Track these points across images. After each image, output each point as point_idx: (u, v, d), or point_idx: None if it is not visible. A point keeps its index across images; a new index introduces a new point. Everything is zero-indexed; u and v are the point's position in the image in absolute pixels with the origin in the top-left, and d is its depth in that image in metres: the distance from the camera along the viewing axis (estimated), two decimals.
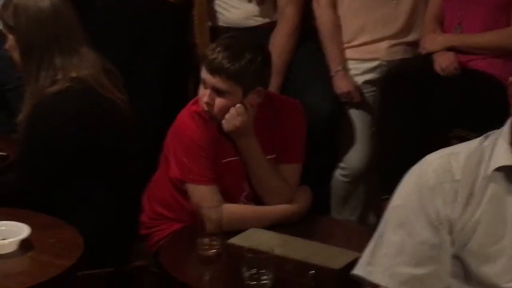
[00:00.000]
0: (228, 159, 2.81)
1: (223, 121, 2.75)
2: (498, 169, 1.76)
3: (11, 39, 2.77)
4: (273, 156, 2.88)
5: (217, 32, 3.65)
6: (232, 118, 2.74)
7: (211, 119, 2.77)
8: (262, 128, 2.83)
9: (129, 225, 2.90)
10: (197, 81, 2.85)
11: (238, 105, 2.74)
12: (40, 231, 2.45)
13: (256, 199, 2.87)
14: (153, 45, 3.75)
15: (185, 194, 2.81)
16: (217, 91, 2.72)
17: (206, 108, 2.74)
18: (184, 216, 2.83)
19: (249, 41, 2.82)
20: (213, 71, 2.70)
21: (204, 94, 2.73)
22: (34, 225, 2.43)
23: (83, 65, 2.71)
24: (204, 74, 2.72)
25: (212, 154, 2.76)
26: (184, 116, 2.79)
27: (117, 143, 2.75)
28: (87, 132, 2.66)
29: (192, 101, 2.86)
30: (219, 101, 2.72)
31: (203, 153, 2.74)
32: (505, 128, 1.79)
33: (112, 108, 2.73)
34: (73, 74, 2.68)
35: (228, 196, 2.80)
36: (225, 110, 2.73)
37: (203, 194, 2.72)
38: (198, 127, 2.75)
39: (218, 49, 2.71)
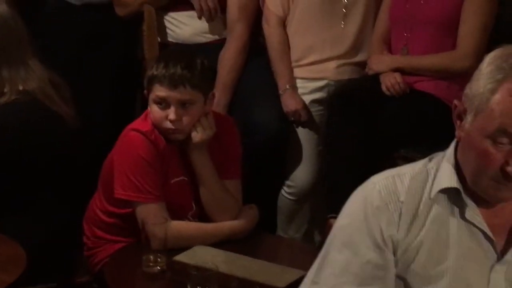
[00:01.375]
0: (176, 179, 2.80)
1: (194, 134, 2.74)
2: (442, 191, 1.79)
3: None
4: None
5: (166, 48, 3.65)
6: (207, 129, 2.75)
7: (172, 138, 2.75)
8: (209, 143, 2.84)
9: (73, 238, 2.87)
10: (144, 94, 2.84)
11: (207, 116, 2.76)
12: None
13: (202, 217, 2.87)
14: (101, 56, 3.74)
15: (123, 216, 2.79)
16: (183, 104, 2.71)
17: (173, 127, 2.72)
18: (125, 237, 2.81)
19: (188, 51, 2.84)
20: (176, 84, 2.69)
21: (167, 112, 2.71)
22: None
23: (31, 78, 2.68)
24: (163, 92, 2.69)
25: (160, 171, 2.74)
26: (132, 135, 2.75)
27: (62, 156, 2.73)
28: (31, 145, 2.63)
29: (136, 121, 2.82)
30: (187, 113, 2.72)
31: (152, 170, 2.71)
32: (450, 150, 1.82)
33: (58, 122, 2.71)
34: (20, 87, 2.66)
35: (175, 215, 2.78)
36: (194, 121, 2.74)
37: (149, 211, 2.69)
38: (146, 146, 2.72)
39: (170, 63, 2.70)
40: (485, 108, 1.70)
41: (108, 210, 2.82)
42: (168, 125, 2.73)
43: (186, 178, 2.82)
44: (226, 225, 2.82)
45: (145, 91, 2.78)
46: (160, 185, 2.73)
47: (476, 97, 1.72)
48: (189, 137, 2.77)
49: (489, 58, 1.74)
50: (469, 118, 1.73)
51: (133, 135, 2.74)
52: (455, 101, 1.79)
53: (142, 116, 2.83)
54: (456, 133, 1.78)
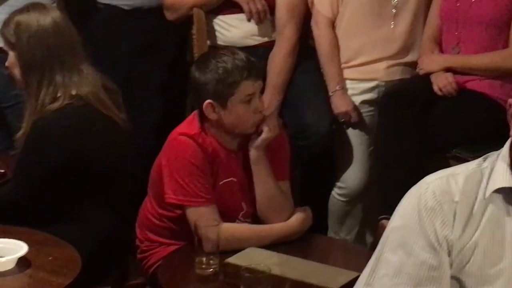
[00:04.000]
0: (225, 180, 2.81)
1: (266, 129, 2.76)
2: (497, 191, 1.76)
3: (12, 56, 2.78)
4: None
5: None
6: (276, 127, 2.80)
7: (251, 131, 2.77)
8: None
9: (125, 242, 2.90)
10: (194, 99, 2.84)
11: (272, 115, 2.85)
12: (38, 248, 2.45)
13: (254, 218, 2.88)
14: (152, 62, 3.77)
15: (175, 220, 2.80)
16: (261, 93, 2.76)
17: (261, 116, 2.74)
18: (178, 240, 2.82)
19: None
20: (257, 75, 2.73)
21: (251, 107, 2.72)
22: (31, 242, 2.42)
23: (84, 83, 2.72)
24: (251, 87, 2.70)
25: (209, 174, 2.75)
26: (180, 140, 2.75)
27: (113, 161, 2.75)
28: (85, 149, 2.66)
29: (182, 126, 2.82)
30: (262, 100, 2.76)
31: (201, 173, 2.72)
32: (504, 149, 1.80)
33: (111, 126, 2.74)
34: (73, 92, 2.69)
35: (226, 216, 2.79)
36: None
37: (201, 215, 2.70)
38: (194, 149, 2.72)
39: (236, 60, 2.70)
40: None
41: (159, 214, 2.84)
42: (257, 117, 2.74)
43: (235, 179, 2.82)
44: (278, 227, 2.82)
45: (210, 101, 2.73)
46: (210, 187, 2.74)
47: None
48: (248, 136, 2.79)
49: None
50: None
51: (181, 139, 2.75)
52: (510, 100, 1.77)
53: (188, 119, 2.84)
54: (511, 131, 1.76)
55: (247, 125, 2.75)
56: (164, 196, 2.75)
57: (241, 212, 2.86)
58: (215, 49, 2.87)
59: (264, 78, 3.49)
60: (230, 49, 2.86)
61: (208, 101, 2.73)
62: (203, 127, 2.77)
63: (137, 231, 2.92)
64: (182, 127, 2.81)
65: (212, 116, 2.74)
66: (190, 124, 2.80)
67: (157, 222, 2.85)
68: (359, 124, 3.61)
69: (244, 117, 2.73)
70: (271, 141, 2.82)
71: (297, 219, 2.85)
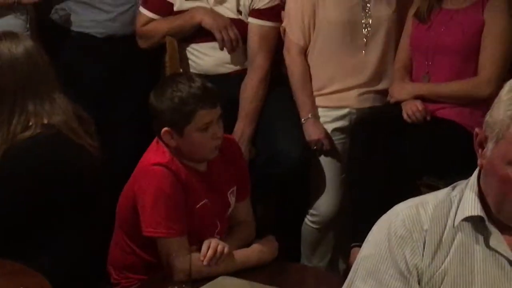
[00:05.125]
0: (201, 203, 2.82)
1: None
2: (466, 219, 1.78)
3: None
4: (235, 187, 2.93)
5: None
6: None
7: (212, 156, 2.81)
8: (220, 160, 2.88)
9: (98, 270, 2.88)
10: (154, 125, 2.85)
11: None
12: (8, 278, 2.42)
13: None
14: (126, 89, 3.77)
15: (145, 250, 2.81)
16: (218, 119, 2.77)
17: (219, 142, 2.77)
18: (149, 269, 2.82)
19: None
20: (214, 102, 2.74)
21: (210, 133, 2.74)
22: (1, 272, 2.40)
23: (56, 111, 2.71)
24: (208, 115, 2.72)
25: (183, 203, 2.76)
26: (154, 170, 2.75)
27: (85, 190, 2.74)
28: (55, 178, 2.65)
29: (151, 155, 2.82)
30: (221, 126, 2.78)
31: (175, 204, 2.72)
32: (473, 178, 1.82)
33: (83, 155, 2.73)
34: (45, 120, 2.68)
35: (204, 235, 2.81)
36: None
37: (173, 245, 2.71)
38: (170, 179, 2.73)
39: (192, 88, 2.72)
40: (506, 135, 1.70)
41: (129, 244, 2.84)
42: (216, 143, 2.76)
43: (208, 200, 2.84)
44: (246, 253, 2.83)
45: (168, 129, 2.75)
46: (183, 217, 2.75)
47: (497, 124, 1.72)
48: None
49: (509, 85, 1.75)
50: (490, 145, 1.74)
51: (156, 170, 2.74)
52: (476, 129, 1.80)
53: (153, 147, 2.83)
54: (478, 161, 1.79)
55: (205, 152, 2.77)
56: (136, 229, 2.75)
57: (216, 230, 2.88)
58: (174, 77, 2.88)
59: (236, 106, 3.52)
60: (188, 76, 2.89)
61: (165, 128, 2.75)
62: (172, 153, 2.78)
63: (109, 259, 2.91)
64: (152, 156, 2.81)
65: (170, 143, 2.76)
66: (158, 152, 2.80)
67: (128, 251, 2.85)
68: (331, 152, 3.63)
69: (201, 145, 2.75)
70: (231, 161, 2.91)
71: (267, 247, 2.87)
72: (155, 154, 2.80)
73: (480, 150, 1.78)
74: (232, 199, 2.92)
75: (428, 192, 1.94)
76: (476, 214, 1.77)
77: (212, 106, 2.72)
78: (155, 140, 2.83)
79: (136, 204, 2.75)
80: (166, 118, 2.74)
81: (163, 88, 2.77)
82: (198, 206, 2.80)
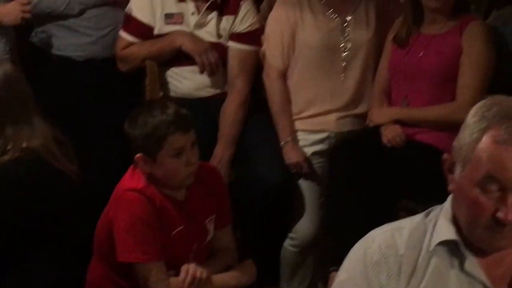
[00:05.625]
0: (177, 230, 2.82)
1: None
2: (441, 243, 1.80)
3: None
4: (213, 216, 2.93)
5: None
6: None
7: (188, 183, 2.80)
8: (200, 188, 2.87)
9: None
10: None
11: None
12: None
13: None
14: (106, 112, 3.77)
15: (123, 276, 2.80)
16: (193, 145, 2.76)
17: (193, 169, 2.76)
18: None
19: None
20: (187, 127, 2.74)
21: (184, 159, 2.73)
22: None
23: (34, 135, 2.71)
24: (180, 140, 2.72)
25: (158, 228, 2.75)
26: (128, 195, 2.76)
27: (63, 214, 2.74)
28: (33, 203, 2.64)
29: (126, 180, 2.83)
30: (196, 153, 2.77)
31: (150, 229, 2.73)
32: (447, 203, 1.84)
33: (61, 179, 2.72)
34: (24, 145, 2.68)
35: (180, 260, 2.81)
36: None
37: (151, 270, 2.71)
38: (144, 205, 2.73)
39: (165, 114, 2.72)
40: (472, 157, 1.72)
41: (107, 270, 2.83)
42: (190, 169, 2.75)
43: (184, 227, 2.83)
44: (224, 278, 2.84)
45: (141, 155, 2.76)
46: (159, 242, 2.74)
47: (463, 147, 1.75)
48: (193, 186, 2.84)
49: (474, 109, 1.78)
50: (458, 169, 1.76)
51: (130, 196, 2.75)
52: (444, 155, 1.82)
53: (129, 172, 2.84)
54: (449, 186, 1.81)
55: (179, 178, 2.76)
56: (114, 255, 2.74)
57: (191, 254, 2.87)
58: (148, 103, 2.89)
59: (215, 129, 3.53)
60: (161, 102, 2.90)
61: (139, 154, 2.75)
62: (148, 179, 2.78)
63: (86, 285, 2.90)
64: (127, 182, 2.81)
65: (144, 169, 2.76)
66: (134, 178, 2.80)
67: (109, 283, 2.84)
68: (310, 175, 3.64)
69: (175, 171, 2.74)
70: (211, 189, 2.91)
71: (244, 271, 2.88)
72: (131, 180, 2.80)
73: (449, 175, 1.80)
74: (210, 227, 2.91)
75: (406, 215, 1.96)
76: (450, 238, 1.79)
77: (184, 131, 2.73)
78: (132, 165, 2.83)
79: (112, 230, 2.75)
80: (139, 144, 2.74)
81: (136, 115, 2.78)
82: (174, 232, 2.80)
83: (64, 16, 3.78)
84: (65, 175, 2.74)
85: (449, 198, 1.83)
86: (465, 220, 1.76)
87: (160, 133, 2.71)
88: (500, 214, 1.69)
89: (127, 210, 2.73)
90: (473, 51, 3.37)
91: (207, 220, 2.91)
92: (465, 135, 1.75)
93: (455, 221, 1.80)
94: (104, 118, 3.79)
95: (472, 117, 1.76)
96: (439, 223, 1.81)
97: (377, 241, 1.82)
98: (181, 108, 2.80)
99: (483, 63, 3.37)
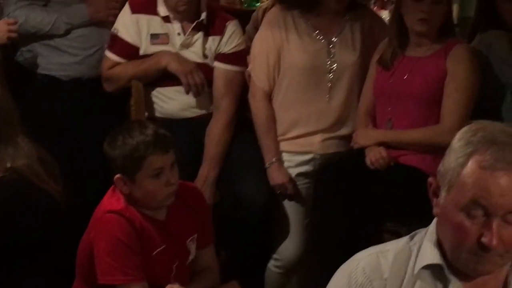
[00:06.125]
0: (158, 250, 2.81)
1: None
2: (425, 267, 1.81)
3: None
4: (195, 236, 2.92)
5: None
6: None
7: (168, 203, 2.80)
8: (181, 208, 2.87)
9: None
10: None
11: None
12: None
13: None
14: (91, 131, 3.75)
15: None
16: (172, 165, 2.75)
17: (173, 189, 2.75)
18: None
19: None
20: (166, 148, 2.74)
21: (163, 180, 2.73)
22: None
23: (19, 155, 2.69)
24: (159, 161, 2.71)
25: (139, 249, 2.75)
26: (107, 217, 2.75)
27: (47, 235, 2.72)
28: (17, 223, 2.63)
29: (106, 202, 2.82)
30: (174, 173, 2.76)
31: (130, 251, 2.72)
32: (431, 227, 1.85)
33: (46, 200, 2.71)
34: (8, 165, 2.66)
35: (160, 280, 2.80)
36: None
37: None
38: (123, 226, 2.73)
39: (143, 135, 2.72)
40: (457, 182, 1.73)
41: None
42: (169, 189, 2.75)
43: (165, 247, 2.83)
44: None
45: (120, 176, 2.76)
46: (140, 263, 2.74)
47: (448, 172, 1.75)
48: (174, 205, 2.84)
49: (459, 134, 1.79)
50: (443, 193, 1.77)
51: (109, 217, 2.75)
52: (430, 179, 1.83)
53: (109, 193, 2.83)
54: (434, 210, 1.81)
55: (159, 199, 2.76)
56: (96, 277, 2.73)
57: (172, 274, 2.87)
58: (127, 124, 2.89)
59: (200, 149, 3.53)
60: (140, 123, 2.89)
61: (118, 175, 2.75)
62: (127, 200, 2.78)
63: None
64: (106, 203, 2.81)
65: (124, 190, 2.76)
66: (114, 199, 2.80)
67: None
68: (295, 196, 3.64)
69: (154, 192, 2.74)
70: (194, 209, 2.91)
71: None
72: (110, 201, 2.80)
73: (434, 199, 1.81)
74: (192, 247, 2.91)
75: (391, 238, 1.97)
76: (434, 262, 1.79)
77: (163, 152, 2.73)
78: (112, 186, 2.83)
79: (93, 252, 2.75)
80: (118, 164, 2.75)
81: (116, 135, 2.78)
82: (155, 252, 2.80)
83: (50, 36, 3.78)
84: (49, 196, 2.72)
85: (434, 221, 1.84)
86: (450, 244, 1.76)
87: (139, 154, 2.71)
88: (484, 239, 1.70)
89: (107, 232, 2.72)
90: (458, 74, 3.39)
91: (189, 240, 2.91)
92: (451, 159, 1.76)
93: (439, 244, 1.80)
94: (89, 138, 3.77)
95: (457, 142, 1.77)
96: (424, 246, 1.82)
97: (362, 264, 1.83)
98: (160, 129, 2.80)
99: (468, 86, 3.38)
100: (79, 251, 2.84)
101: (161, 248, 2.81)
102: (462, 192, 1.72)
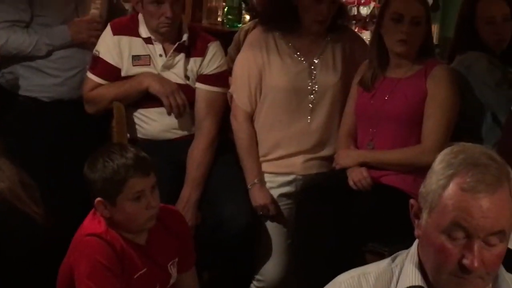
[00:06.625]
0: (139, 273, 2.80)
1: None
2: None
3: None
4: (176, 259, 2.92)
5: (135, 144, 3.68)
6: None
7: (149, 225, 2.79)
8: (162, 232, 2.87)
9: None
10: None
11: None
12: None
13: None
14: (72, 153, 3.74)
15: None
16: (153, 188, 2.75)
17: (154, 211, 2.75)
18: None
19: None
20: (147, 171, 2.73)
21: (144, 202, 2.72)
22: None
23: (0, 178, 2.69)
24: (140, 183, 2.71)
25: (119, 272, 2.73)
26: (87, 240, 2.73)
27: (28, 258, 2.71)
28: None
29: (87, 224, 2.81)
30: (157, 196, 2.76)
31: (111, 274, 2.70)
32: (413, 249, 1.85)
33: (27, 222, 2.70)
34: None
35: None
36: None
37: None
38: (104, 249, 2.71)
39: (123, 157, 2.72)
40: (438, 204, 1.74)
41: None
42: (151, 212, 2.74)
43: (146, 270, 2.82)
44: None
45: (100, 199, 2.75)
46: (120, 286, 2.72)
47: (429, 194, 1.77)
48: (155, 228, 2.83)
49: (440, 156, 1.80)
50: (424, 215, 1.78)
51: (89, 240, 2.73)
52: (411, 201, 1.84)
53: (89, 217, 2.82)
54: (415, 232, 1.82)
55: (140, 222, 2.76)
56: None
57: None
58: (107, 147, 2.89)
59: (182, 171, 3.52)
60: (121, 146, 2.88)
61: (98, 199, 2.74)
62: (108, 223, 2.77)
63: None
64: (87, 226, 2.79)
65: (104, 213, 2.75)
66: (94, 222, 2.78)
67: None
68: (277, 217, 3.65)
69: (135, 214, 2.73)
70: (176, 233, 2.91)
71: None
72: (90, 224, 2.78)
73: (416, 221, 1.82)
74: (173, 271, 2.91)
75: (373, 258, 1.97)
76: (416, 284, 1.80)
77: (143, 174, 2.72)
78: (92, 209, 2.82)
79: (73, 275, 2.73)
80: (98, 188, 2.73)
81: (95, 159, 2.77)
82: (136, 276, 2.79)
83: (31, 57, 3.78)
84: (30, 219, 2.72)
85: (415, 242, 1.84)
86: (431, 266, 1.77)
87: (119, 177, 2.70)
88: (466, 261, 1.71)
89: (87, 254, 2.70)
90: (438, 95, 3.40)
91: (170, 263, 2.90)
92: (432, 181, 1.77)
93: (421, 266, 1.81)
94: (71, 159, 3.76)
95: (438, 164, 1.78)
96: (405, 268, 1.83)
97: (344, 286, 1.83)
98: (141, 152, 2.79)
99: (448, 107, 3.40)
100: (59, 274, 2.83)
101: (142, 271, 2.80)
102: (443, 214, 1.73)
